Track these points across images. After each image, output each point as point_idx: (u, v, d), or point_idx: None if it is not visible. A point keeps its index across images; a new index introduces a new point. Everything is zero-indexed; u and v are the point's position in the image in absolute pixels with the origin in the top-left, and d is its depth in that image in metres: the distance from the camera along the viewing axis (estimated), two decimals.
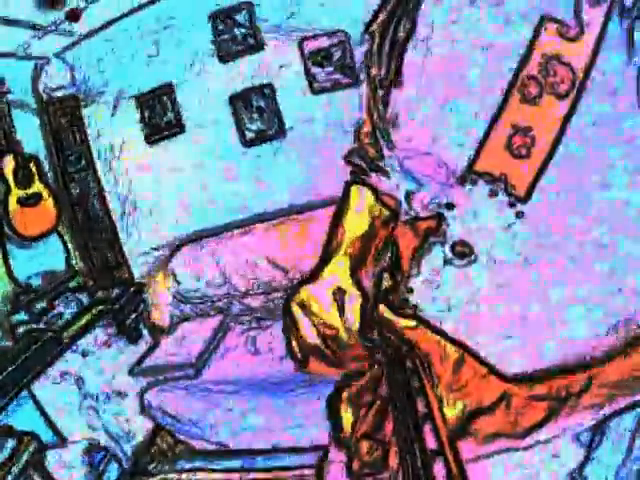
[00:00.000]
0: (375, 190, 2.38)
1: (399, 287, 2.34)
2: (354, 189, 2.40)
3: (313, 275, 2.38)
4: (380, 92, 2.38)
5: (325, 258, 2.37)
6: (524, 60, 2.31)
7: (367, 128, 2.45)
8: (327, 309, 2.32)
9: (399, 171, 2.38)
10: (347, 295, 2.29)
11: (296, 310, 2.35)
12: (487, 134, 2.28)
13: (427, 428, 2.22)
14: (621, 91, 2.28)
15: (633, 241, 2.28)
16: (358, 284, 2.30)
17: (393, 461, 2.26)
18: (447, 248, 2.35)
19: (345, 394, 2.38)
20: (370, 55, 2.40)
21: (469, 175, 2.29)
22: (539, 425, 2.21)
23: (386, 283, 2.35)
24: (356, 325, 2.31)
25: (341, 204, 2.42)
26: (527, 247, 2.33)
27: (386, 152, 2.38)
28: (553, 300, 2.33)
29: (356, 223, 2.36)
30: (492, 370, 2.33)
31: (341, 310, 2.27)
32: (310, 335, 2.32)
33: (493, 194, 2.30)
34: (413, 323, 2.25)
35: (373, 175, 2.43)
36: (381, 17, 2.33)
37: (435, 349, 2.26)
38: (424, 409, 2.16)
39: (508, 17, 2.29)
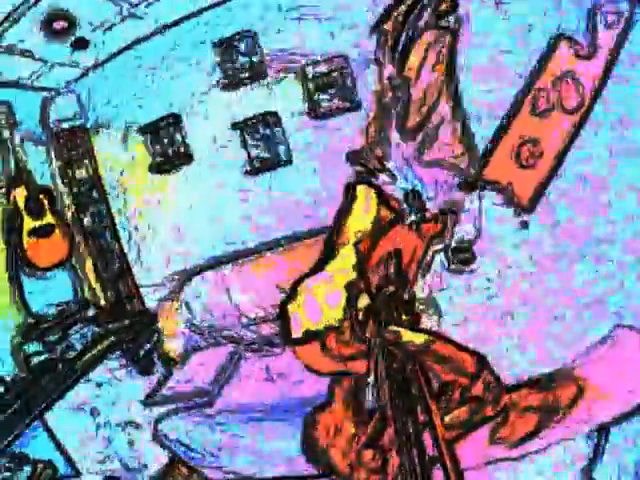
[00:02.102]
0: (380, 191, 2.39)
1: (403, 294, 2.33)
2: (360, 189, 2.41)
3: (318, 267, 2.38)
4: (389, 92, 2.40)
5: (330, 253, 2.37)
6: (537, 74, 2.33)
7: (375, 126, 2.47)
8: (335, 301, 2.32)
9: (405, 172, 2.39)
10: (357, 291, 2.29)
11: (303, 291, 2.35)
12: (496, 143, 2.29)
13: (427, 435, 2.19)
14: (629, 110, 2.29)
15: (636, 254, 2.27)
16: (366, 282, 2.30)
17: (393, 467, 2.22)
18: (450, 255, 2.34)
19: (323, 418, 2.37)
20: (382, 53, 2.42)
21: (476, 182, 2.29)
22: (530, 436, 2.18)
23: (390, 289, 2.34)
24: (359, 323, 2.29)
25: (346, 203, 2.43)
26: (532, 255, 2.32)
27: (393, 152, 2.39)
28: (558, 307, 2.32)
29: (363, 222, 2.37)
30: (497, 380, 2.31)
31: (349, 305, 2.26)
32: (315, 320, 2.32)
33: (498, 202, 2.29)
34: (422, 339, 2.23)
35: (379, 176, 2.44)
36: (393, 16, 2.36)
37: (449, 362, 2.23)
38: (424, 417, 2.14)
39: (523, 31, 2.32)
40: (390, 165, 2.42)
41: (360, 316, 2.21)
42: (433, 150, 2.40)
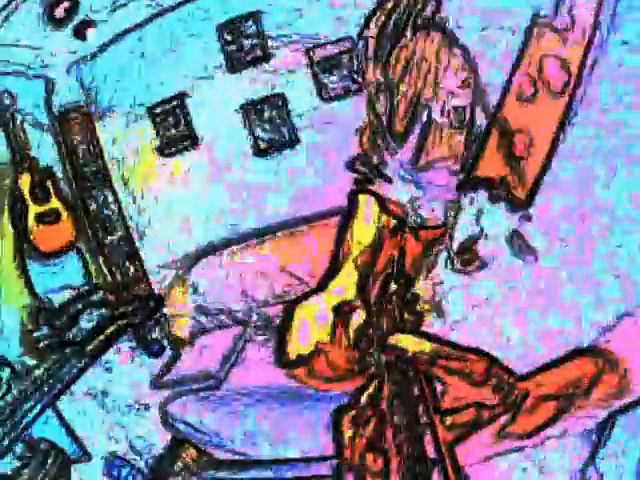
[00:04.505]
0: (381, 198, 2.36)
1: (404, 294, 2.31)
2: (361, 198, 2.38)
3: (321, 286, 2.37)
4: (378, 97, 2.36)
5: (333, 269, 2.35)
6: (518, 60, 2.27)
7: (367, 133, 2.43)
8: (323, 322, 2.31)
9: (402, 177, 2.35)
10: (351, 311, 2.27)
11: (297, 316, 2.34)
12: (485, 137, 2.24)
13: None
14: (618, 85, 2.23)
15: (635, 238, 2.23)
16: (365, 300, 2.27)
17: (394, 469, 2.22)
18: (452, 255, 2.31)
19: (347, 416, 2.35)
20: (365, 60, 2.39)
21: (470, 181, 2.26)
22: (548, 423, 2.17)
23: (390, 289, 2.31)
24: (352, 342, 2.28)
25: (348, 214, 2.40)
26: (532, 249, 2.29)
27: (388, 158, 2.35)
28: (560, 302, 2.29)
29: (364, 233, 2.34)
30: (507, 371, 2.29)
31: (342, 326, 2.25)
32: (304, 343, 2.32)
33: (495, 199, 2.26)
34: (428, 347, 2.20)
35: (377, 182, 2.40)
36: (374, 22, 2.32)
37: (457, 370, 2.21)
38: (424, 418, 2.13)
39: (499, 18, 2.26)
40: (387, 171, 2.38)
41: (352, 335, 2.20)
42: (425, 153, 2.35)
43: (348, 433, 2.32)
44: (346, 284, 2.34)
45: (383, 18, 2.27)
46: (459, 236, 2.26)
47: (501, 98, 2.21)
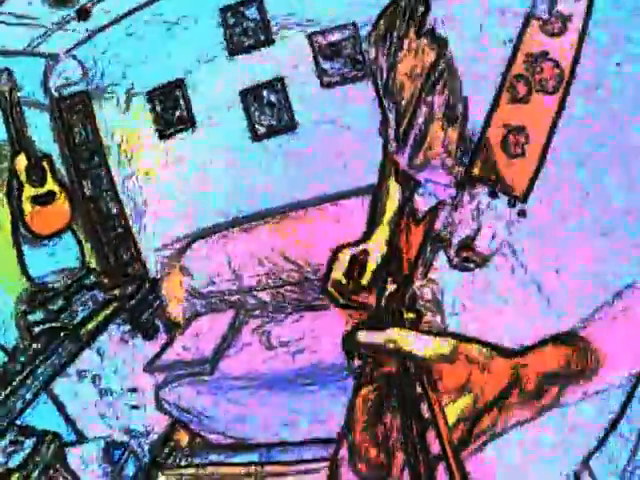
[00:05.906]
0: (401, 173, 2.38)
1: (405, 292, 2.32)
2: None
3: (366, 235, 2.42)
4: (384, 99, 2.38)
5: (370, 228, 2.39)
6: (510, 60, 2.28)
7: (384, 134, 2.45)
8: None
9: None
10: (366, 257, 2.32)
11: (338, 260, 2.42)
12: (481, 137, 2.26)
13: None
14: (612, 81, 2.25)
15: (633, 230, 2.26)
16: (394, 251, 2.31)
17: (397, 466, 2.23)
18: (452, 253, 2.33)
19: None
20: (374, 64, 2.40)
21: (467, 179, 2.27)
22: (556, 399, 2.20)
23: (390, 288, 2.34)
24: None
25: (381, 172, 2.42)
26: (531, 246, 2.32)
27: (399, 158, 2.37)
28: (558, 301, 2.32)
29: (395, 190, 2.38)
30: (497, 350, 2.31)
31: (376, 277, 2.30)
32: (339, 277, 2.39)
33: (493, 196, 2.28)
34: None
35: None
36: (378, 26, 2.33)
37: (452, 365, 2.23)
38: (428, 414, 2.14)
39: (491, 19, 2.27)
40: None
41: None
42: (422, 152, 2.38)
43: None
44: (379, 239, 2.38)
45: (383, 24, 2.28)
46: (458, 234, 2.27)
47: (495, 99, 2.22)
